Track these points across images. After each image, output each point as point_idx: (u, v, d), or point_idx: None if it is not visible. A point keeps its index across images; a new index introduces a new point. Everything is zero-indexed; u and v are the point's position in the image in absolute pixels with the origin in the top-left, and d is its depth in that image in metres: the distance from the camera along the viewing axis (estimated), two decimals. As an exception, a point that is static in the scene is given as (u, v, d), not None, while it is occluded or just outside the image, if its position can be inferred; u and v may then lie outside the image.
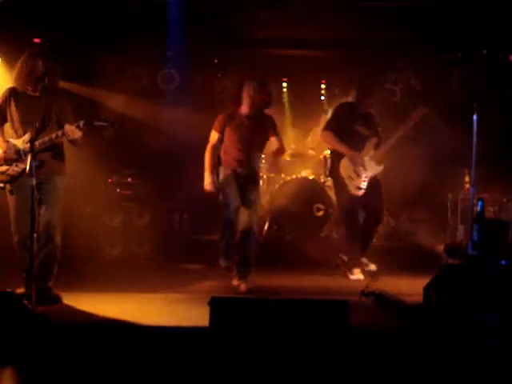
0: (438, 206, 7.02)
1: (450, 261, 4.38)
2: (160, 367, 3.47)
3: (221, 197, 5.34)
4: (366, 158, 5.82)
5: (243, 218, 5.25)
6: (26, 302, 4.11)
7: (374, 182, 5.87)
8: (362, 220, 5.91)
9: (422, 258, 6.02)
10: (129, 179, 6.95)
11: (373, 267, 5.85)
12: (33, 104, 4.66)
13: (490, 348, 3.55)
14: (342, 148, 5.83)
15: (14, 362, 3.30)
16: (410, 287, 5.35)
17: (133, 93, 6.91)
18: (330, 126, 5.93)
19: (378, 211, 5.97)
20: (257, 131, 5.32)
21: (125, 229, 6.68)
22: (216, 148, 5.37)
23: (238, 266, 5.31)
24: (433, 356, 3.52)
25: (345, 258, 5.93)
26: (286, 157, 7.78)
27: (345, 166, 5.83)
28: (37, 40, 5.95)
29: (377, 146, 5.86)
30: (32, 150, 4.46)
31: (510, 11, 6.19)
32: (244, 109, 5.31)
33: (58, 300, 4.74)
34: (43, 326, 3.95)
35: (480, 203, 4.15)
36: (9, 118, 4.72)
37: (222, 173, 5.33)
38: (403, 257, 6.00)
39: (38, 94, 4.70)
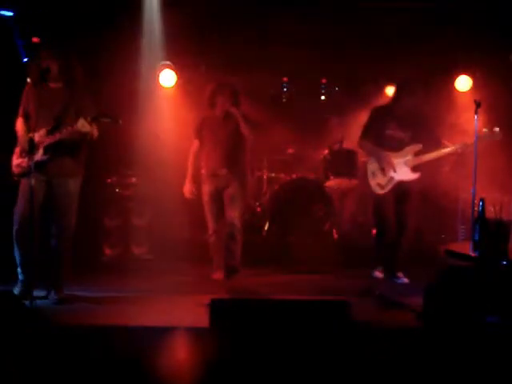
0: (439, 206, 7.00)
1: (451, 261, 4.37)
2: (160, 367, 3.47)
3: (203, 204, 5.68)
4: (399, 161, 5.66)
5: (226, 221, 5.56)
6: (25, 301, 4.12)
7: (405, 191, 5.69)
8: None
9: (423, 259, 6.01)
10: (129, 179, 6.93)
11: (405, 280, 5.67)
12: (52, 98, 4.68)
13: (490, 348, 3.54)
14: (372, 152, 5.81)
15: (14, 362, 3.29)
16: (411, 287, 5.36)
17: (132, 91, 6.89)
18: (364, 134, 5.83)
19: (403, 221, 5.73)
20: (232, 131, 5.54)
21: (125, 229, 6.67)
22: (197, 155, 5.71)
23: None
24: (433, 356, 3.52)
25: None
26: (286, 157, 7.81)
27: (371, 162, 5.79)
28: (35, 39, 5.93)
29: (418, 153, 5.64)
30: (32, 147, 4.46)
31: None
32: (217, 111, 5.59)
33: (64, 301, 4.75)
34: (43, 326, 3.95)
35: (481, 203, 4.13)
36: (30, 111, 4.73)
37: (203, 179, 5.65)
38: (403, 257, 5.98)
39: (58, 86, 4.73)
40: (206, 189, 5.61)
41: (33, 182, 4.38)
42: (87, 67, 5.05)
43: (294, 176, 7.40)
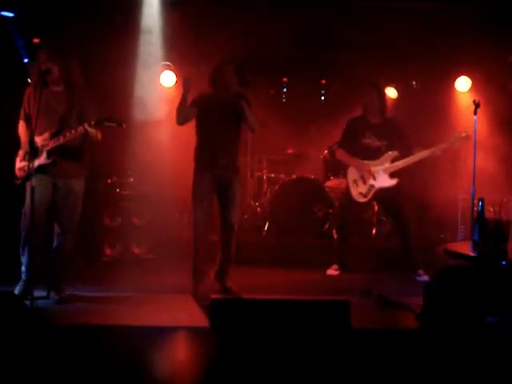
0: (439, 206, 7.01)
1: (450, 261, 4.38)
2: (160, 367, 3.48)
3: (194, 198, 5.01)
4: (378, 169, 5.82)
5: (224, 217, 5.03)
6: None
7: (387, 197, 5.86)
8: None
9: (422, 258, 6.01)
10: (129, 179, 6.93)
11: (426, 278, 5.68)
12: (53, 101, 4.68)
13: (489, 348, 3.55)
14: (350, 162, 5.95)
15: (14, 362, 3.29)
16: (411, 287, 5.36)
17: (132, 91, 6.91)
18: (341, 144, 6.07)
19: (402, 223, 5.89)
20: (237, 117, 4.97)
21: (125, 229, 6.67)
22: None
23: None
24: (433, 356, 3.52)
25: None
26: (286, 157, 7.83)
27: (352, 172, 5.95)
28: (36, 40, 5.94)
29: (394, 160, 5.81)
30: (32, 149, 4.47)
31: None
32: (221, 92, 5.01)
33: (65, 301, 4.76)
34: (43, 326, 3.95)
35: (480, 203, 4.14)
36: (32, 113, 4.72)
37: (200, 168, 5.01)
38: (403, 257, 5.99)
39: (59, 88, 4.74)
40: (206, 179, 4.94)
41: (33, 183, 4.38)
42: (87, 67, 5.05)
43: (293, 176, 7.41)
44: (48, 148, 4.62)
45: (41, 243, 4.73)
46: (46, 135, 4.63)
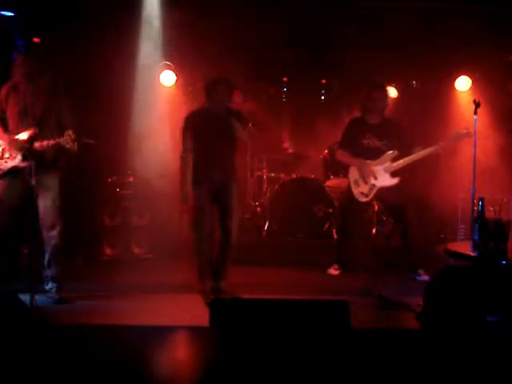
0: (439, 206, 7.01)
1: (450, 261, 4.38)
2: (160, 367, 3.48)
3: (196, 209, 5.06)
4: (379, 168, 5.80)
5: (223, 231, 5.05)
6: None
7: (390, 196, 5.83)
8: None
9: (423, 258, 6.01)
10: (129, 179, 6.94)
11: (426, 278, 5.66)
12: (32, 102, 4.67)
13: (489, 348, 3.55)
14: (351, 162, 5.93)
15: (14, 362, 3.29)
16: (411, 287, 5.36)
17: (132, 90, 6.91)
18: (341, 144, 6.06)
19: (405, 223, 5.87)
20: (226, 130, 5.03)
21: (125, 228, 6.67)
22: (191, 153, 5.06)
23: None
24: (433, 356, 3.52)
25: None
26: (286, 157, 7.84)
27: (353, 172, 5.93)
28: (36, 40, 5.95)
29: (395, 159, 5.78)
30: (27, 151, 4.48)
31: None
32: (214, 108, 5.08)
33: (64, 301, 4.75)
34: (43, 326, 3.95)
35: (480, 203, 4.14)
36: (8, 113, 4.72)
37: (198, 181, 5.06)
38: (403, 257, 6.00)
39: (39, 90, 4.74)
40: (205, 190, 5.02)
41: (33, 182, 4.39)
42: (87, 67, 5.05)
43: (294, 176, 7.42)
44: (23, 152, 4.61)
45: (11, 241, 4.76)
46: (22, 135, 4.62)
